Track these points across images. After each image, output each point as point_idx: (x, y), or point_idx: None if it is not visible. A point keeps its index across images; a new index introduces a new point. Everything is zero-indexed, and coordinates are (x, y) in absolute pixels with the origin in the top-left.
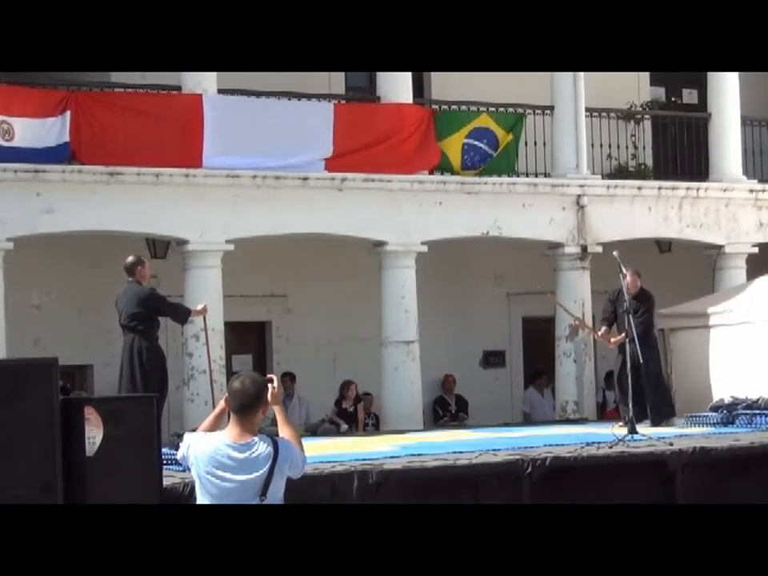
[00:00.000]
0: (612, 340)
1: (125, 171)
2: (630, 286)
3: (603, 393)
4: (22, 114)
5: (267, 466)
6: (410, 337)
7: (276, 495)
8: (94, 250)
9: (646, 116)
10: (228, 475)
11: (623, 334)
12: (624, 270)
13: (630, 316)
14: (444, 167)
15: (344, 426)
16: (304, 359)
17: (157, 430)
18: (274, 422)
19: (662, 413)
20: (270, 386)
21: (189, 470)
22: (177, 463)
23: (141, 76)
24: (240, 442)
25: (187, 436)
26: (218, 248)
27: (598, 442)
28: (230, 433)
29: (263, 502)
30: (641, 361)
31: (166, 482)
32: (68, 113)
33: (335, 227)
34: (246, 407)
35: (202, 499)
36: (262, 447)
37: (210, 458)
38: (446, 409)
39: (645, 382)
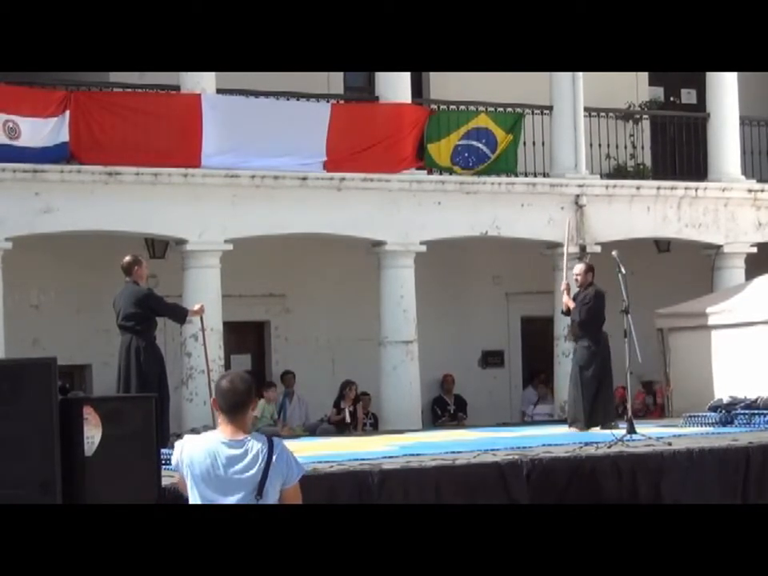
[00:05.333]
0: (564, 299)
1: (123, 171)
2: (580, 280)
3: None
4: (23, 113)
5: (263, 464)
6: (409, 337)
7: (272, 495)
8: (92, 250)
9: (645, 116)
10: (222, 473)
11: (566, 296)
12: (623, 270)
13: (629, 316)
14: (433, 167)
15: (348, 422)
16: (303, 359)
17: (156, 429)
18: (274, 422)
19: (592, 419)
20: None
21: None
22: None
23: (139, 76)
24: (234, 439)
25: (178, 443)
26: (217, 248)
27: (597, 442)
28: (223, 431)
29: (259, 502)
30: (640, 360)
31: (165, 481)
32: (67, 113)
33: (334, 227)
34: (238, 406)
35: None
36: (256, 444)
37: (205, 456)
38: (444, 409)
39: (582, 386)
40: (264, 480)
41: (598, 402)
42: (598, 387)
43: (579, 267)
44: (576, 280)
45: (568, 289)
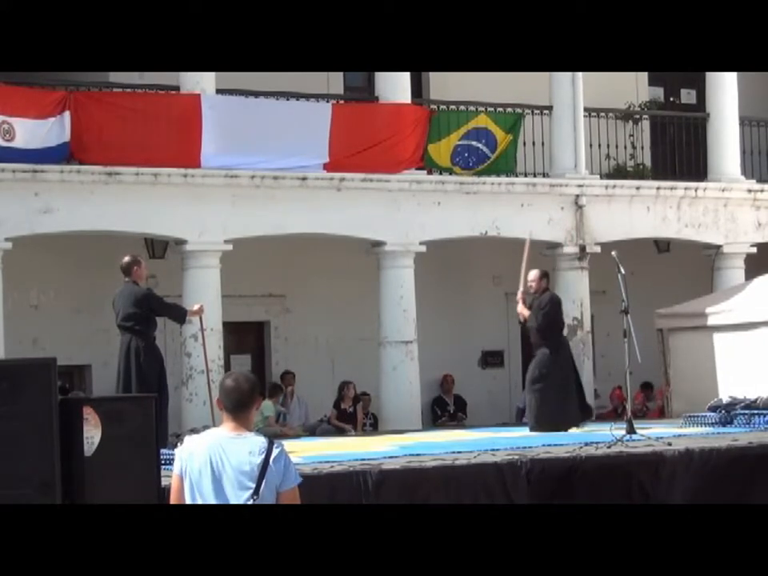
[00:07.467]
0: (519, 309)
1: (123, 171)
2: (534, 287)
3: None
4: (21, 114)
5: (260, 462)
6: (409, 337)
7: (268, 497)
8: (92, 250)
9: (645, 116)
10: (222, 465)
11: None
12: (623, 270)
13: (628, 316)
14: (433, 167)
15: (350, 431)
16: (303, 359)
17: (156, 429)
18: (269, 423)
19: (540, 422)
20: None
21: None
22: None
23: (139, 76)
24: (236, 433)
25: (177, 450)
26: (217, 248)
27: (597, 442)
28: (226, 427)
29: (255, 502)
30: (639, 360)
31: (165, 481)
32: (67, 113)
33: (334, 227)
34: (242, 404)
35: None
36: (257, 440)
37: (206, 448)
38: (444, 409)
39: (539, 391)
40: (261, 479)
41: (556, 408)
42: (556, 394)
43: (534, 273)
44: (531, 287)
45: (524, 299)
